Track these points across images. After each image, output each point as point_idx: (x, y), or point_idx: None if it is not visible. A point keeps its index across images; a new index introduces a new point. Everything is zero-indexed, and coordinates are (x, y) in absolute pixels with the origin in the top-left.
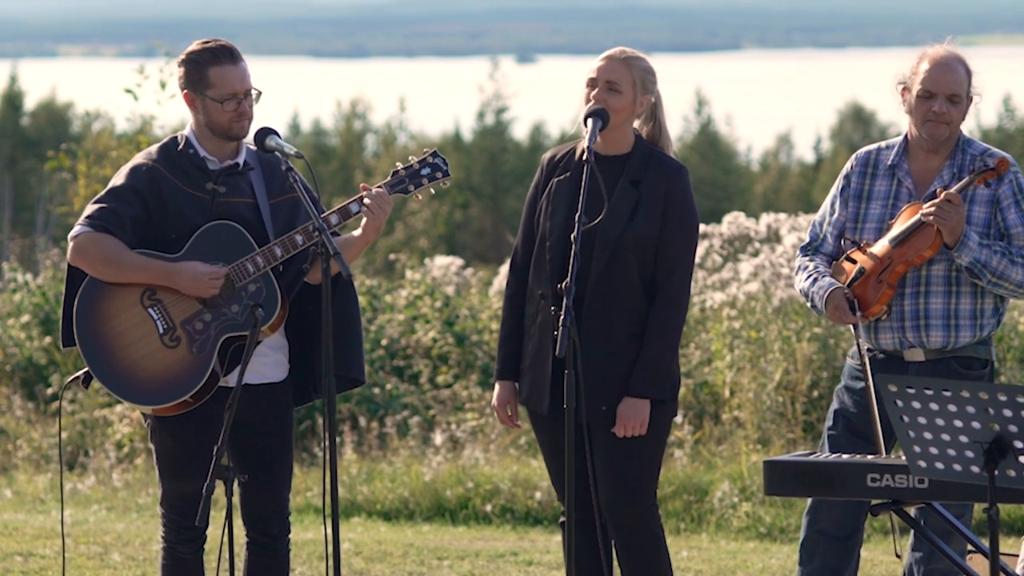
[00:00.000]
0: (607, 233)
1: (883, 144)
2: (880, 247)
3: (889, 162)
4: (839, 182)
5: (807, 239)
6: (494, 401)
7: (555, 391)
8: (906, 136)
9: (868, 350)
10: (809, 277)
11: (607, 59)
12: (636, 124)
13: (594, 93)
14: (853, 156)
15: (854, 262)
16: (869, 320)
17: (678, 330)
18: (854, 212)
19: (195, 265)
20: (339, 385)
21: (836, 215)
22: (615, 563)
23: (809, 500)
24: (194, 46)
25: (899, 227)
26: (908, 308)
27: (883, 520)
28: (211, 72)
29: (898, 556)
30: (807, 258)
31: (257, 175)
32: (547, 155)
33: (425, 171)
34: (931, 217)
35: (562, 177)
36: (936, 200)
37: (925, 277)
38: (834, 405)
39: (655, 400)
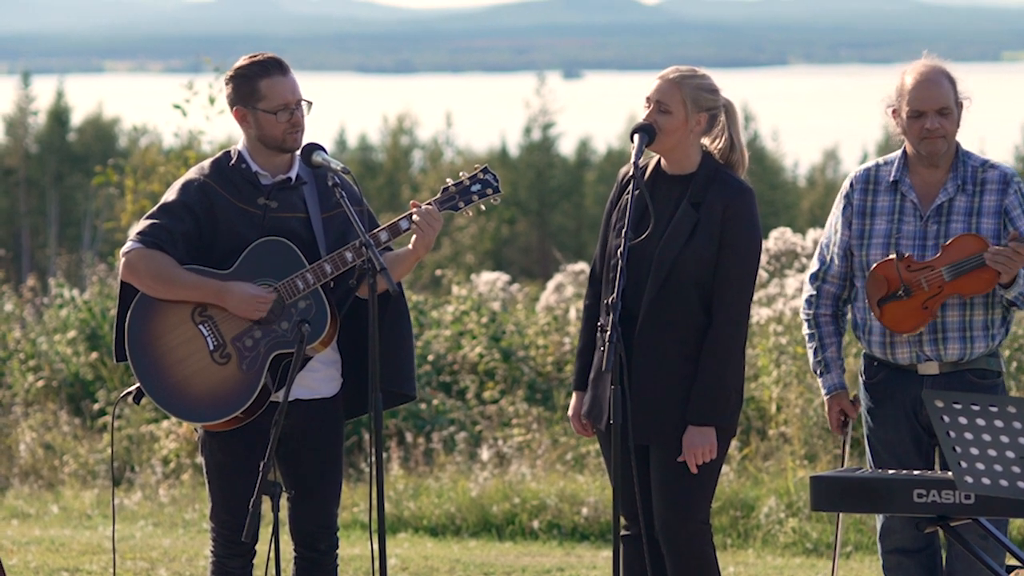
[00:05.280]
0: (664, 254)
1: (880, 160)
2: (934, 276)
3: (891, 178)
4: (839, 203)
5: (815, 265)
6: (570, 411)
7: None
8: (904, 151)
9: (876, 360)
10: (812, 348)
11: (659, 79)
12: (706, 141)
13: (645, 114)
14: (851, 175)
15: (897, 273)
16: (899, 334)
17: (737, 352)
18: (859, 229)
19: (245, 286)
20: (390, 400)
21: (840, 235)
22: None
23: (879, 525)
24: (241, 61)
25: (958, 259)
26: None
27: None
28: (262, 84)
29: None
30: (809, 307)
31: (310, 189)
32: (622, 171)
33: (475, 187)
34: (999, 265)
35: (633, 194)
36: (1004, 249)
37: None
38: None
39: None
